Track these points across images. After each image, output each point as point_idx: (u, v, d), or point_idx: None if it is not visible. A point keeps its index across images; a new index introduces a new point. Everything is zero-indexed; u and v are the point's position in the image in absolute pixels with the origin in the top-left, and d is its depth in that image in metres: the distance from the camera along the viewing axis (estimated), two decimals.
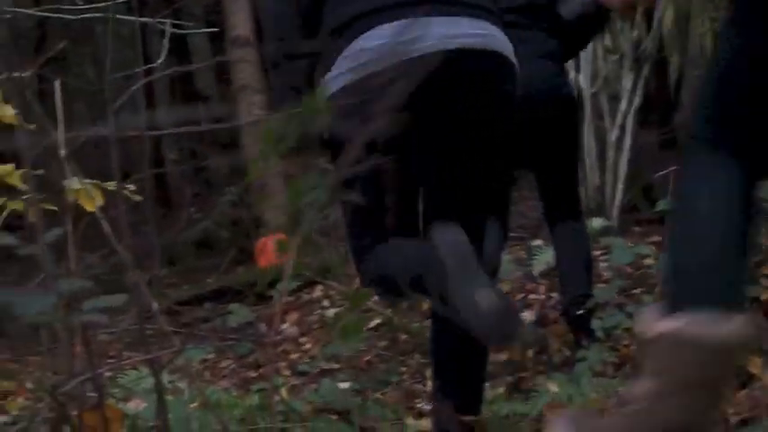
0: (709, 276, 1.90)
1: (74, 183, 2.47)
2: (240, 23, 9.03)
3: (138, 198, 2.90)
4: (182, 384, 4.14)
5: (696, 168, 2.03)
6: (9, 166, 2.65)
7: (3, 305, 1.37)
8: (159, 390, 2.17)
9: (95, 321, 1.59)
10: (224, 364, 5.68)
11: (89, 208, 2.59)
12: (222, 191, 10.65)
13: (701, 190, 1.99)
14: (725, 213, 1.95)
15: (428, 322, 4.27)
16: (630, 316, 4.30)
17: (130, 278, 2.26)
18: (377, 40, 2.58)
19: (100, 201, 2.72)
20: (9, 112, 2.54)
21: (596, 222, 6.21)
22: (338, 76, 2.67)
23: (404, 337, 5.14)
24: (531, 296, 5.69)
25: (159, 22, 3.98)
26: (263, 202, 8.75)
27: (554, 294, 5.56)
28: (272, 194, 8.70)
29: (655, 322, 1.88)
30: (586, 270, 4.17)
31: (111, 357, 5.71)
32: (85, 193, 2.64)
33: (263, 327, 6.62)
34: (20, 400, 4.34)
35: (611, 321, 4.31)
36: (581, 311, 4.10)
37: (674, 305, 1.88)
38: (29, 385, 4.50)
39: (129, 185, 2.93)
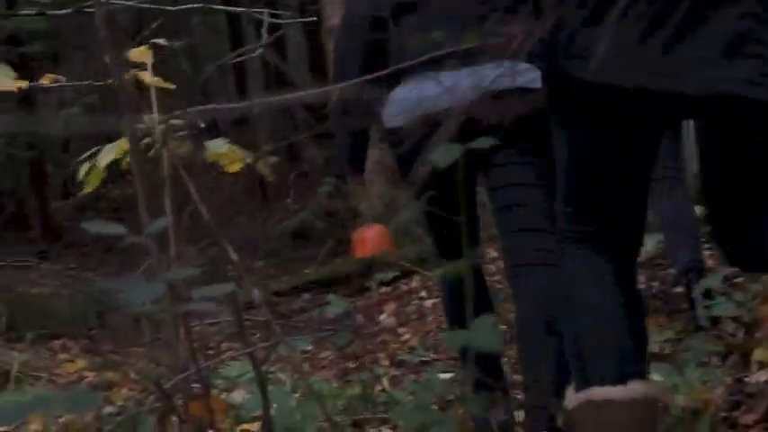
0: (608, 357, 2.29)
1: (219, 144, 2.49)
2: (336, 13, 9.01)
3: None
4: (282, 375, 4.15)
5: (571, 268, 2.38)
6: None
7: (112, 294, 1.38)
8: (262, 381, 2.17)
9: (203, 311, 1.57)
10: (323, 355, 5.68)
11: (232, 170, 2.62)
12: (319, 182, 10.68)
13: (581, 288, 2.35)
14: (605, 304, 2.32)
15: None
16: (737, 305, 4.20)
17: (233, 269, 2.26)
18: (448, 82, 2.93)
19: (240, 164, 2.74)
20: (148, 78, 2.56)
21: (699, 210, 6.09)
22: (406, 110, 3.05)
23: (503, 327, 5.10)
24: None
25: (255, 12, 3.99)
26: (359, 192, 8.74)
27: (655, 283, 5.47)
28: (368, 185, 8.68)
29: (574, 397, 2.29)
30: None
31: (211, 348, 5.76)
32: (228, 156, 2.65)
33: (360, 317, 6.62)
34: (124, 391, 4.40)
35: (718, 310, 4.21)
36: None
37: (586, 383, 2.28)
38: (133, 376, 4.56)
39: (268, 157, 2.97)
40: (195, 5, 3.63)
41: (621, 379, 2.25)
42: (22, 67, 12.41)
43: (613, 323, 2.31)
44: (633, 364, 2.30)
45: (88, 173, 2.68)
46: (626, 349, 2.31)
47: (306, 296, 7.57)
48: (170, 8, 3.38)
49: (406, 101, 3.07)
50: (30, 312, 6.16)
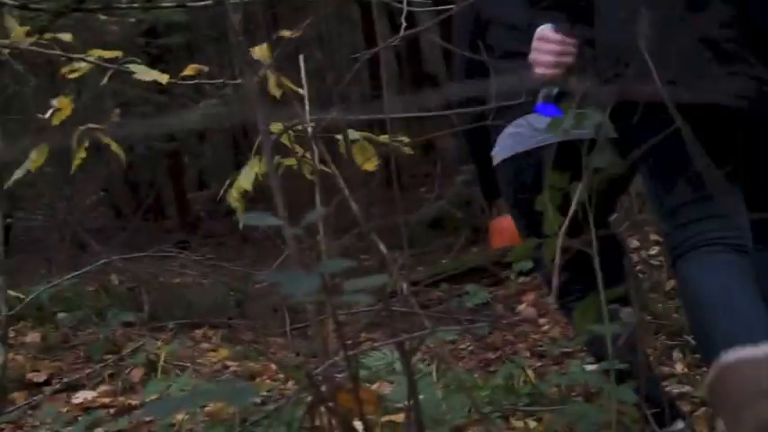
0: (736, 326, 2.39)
1: (352, 134, 2.47)
2: None
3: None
4: (422, 366, 4.12)
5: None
6: None
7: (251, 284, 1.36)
8: (409, 371, 2.13)
9: (357, 302, 1.55)
10: (462, 345, 5.64)
11: (366, 166, 2.62)
12: (455, 170, 10.62)
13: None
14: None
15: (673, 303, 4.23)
16: None
17: (381, 260, 2.22)
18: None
19: (374, 160, 2.73)
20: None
21: None
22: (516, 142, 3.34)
23: (648, 318, 4.98)
24: None
25: (391, 2, 3.94)
26: (501, 206, 8.67)
27: None
28: None
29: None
30: None
31: (350, 339, 5.76)
32: (361, 149, 2.64)
33: (499, 308, 6.55)
34: (267, 381, 4.42)
35: None
36: None
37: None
38: (275, 366, 4.57)
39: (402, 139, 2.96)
40: None
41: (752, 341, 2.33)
42: (159, 59, 12.65)
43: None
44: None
45: (236, 201, 2.69)
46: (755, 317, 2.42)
47: (443, 286, 7.53)
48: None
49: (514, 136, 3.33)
50: (171, 302, 6.25)
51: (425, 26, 2.80)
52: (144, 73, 2.71)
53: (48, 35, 2.98)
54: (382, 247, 2.44)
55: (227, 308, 6.53)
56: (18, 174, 3.10)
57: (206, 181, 18.54)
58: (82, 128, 3.00)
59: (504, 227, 7.14)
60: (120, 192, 14.44)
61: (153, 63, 12.73)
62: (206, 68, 2.90)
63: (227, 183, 2.87)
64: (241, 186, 2.71)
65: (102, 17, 5.25)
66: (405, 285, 2.40)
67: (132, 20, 6.47)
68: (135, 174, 14.37)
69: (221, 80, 3.69)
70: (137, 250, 7.37)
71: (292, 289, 1.43)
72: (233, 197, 2.79)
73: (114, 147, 2.92)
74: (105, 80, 2.79)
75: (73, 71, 2.84)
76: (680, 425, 3.43)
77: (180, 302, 6.26)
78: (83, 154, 2.99)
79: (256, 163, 2.81)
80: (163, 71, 3.11)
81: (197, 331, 6.00)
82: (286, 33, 2.90)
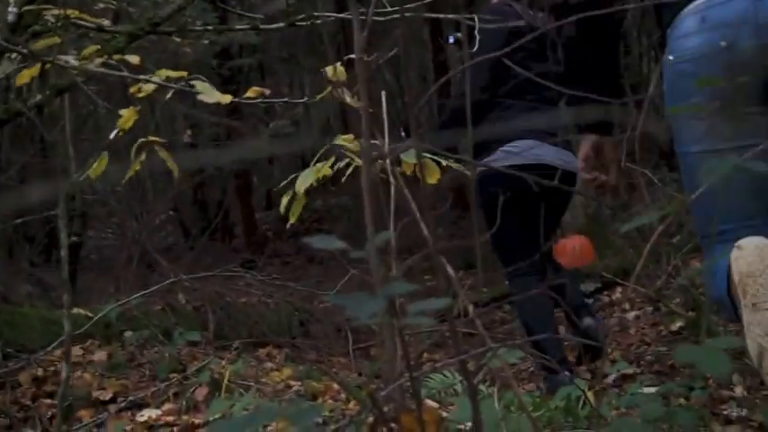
0: None
1: (409, 156, 2.50)
2: None
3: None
4: (484, 387, 4.13)
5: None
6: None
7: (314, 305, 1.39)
8: (473, 392, 2.16)
9: (421, 325, 1.59)
10: (524, 366, 5.64)
11: (431, 182, 2.64)
12: None
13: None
14: None
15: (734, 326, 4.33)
16: None
17: (447, 281, 2.25)
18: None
19: (437, 175, 2.75)
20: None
21: None
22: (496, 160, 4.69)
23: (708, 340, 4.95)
24: None
25: (466, 17, 3.99)
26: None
27: None
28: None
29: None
30: None
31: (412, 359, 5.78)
32: (426, 166, 2.66)
33: (561, 329, 6.54)
34: (330, 401, 4.45)
35: None
36: None
37: None
38: (338, 386, 4.60)
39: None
40: (397, 15, 3.65)
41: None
42: (231, 80, 12.81)
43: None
44: None
45: (289, 204, 2.71)
46: None
47: (506, 307, 7.53)
48: (379, 18, 3.40)
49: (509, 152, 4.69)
50: (236, 321, 6.32)
51: (495, 53, 2.82)
52: (207, 94, 2.75)
53: (117, 57, 3.05)
54: (449, 269, 2.46)
55: (291, 328, 6.59)
56: (76, 177, 3.14)
57: (274, 201, 18.68)
58: (141, 140, 3.05)
59: (568, 248, 7.13)
60: (189, 211, 14.59)
61: (225, 84, 12.92)
62: (268, 91, 2.95)
63: (282, 184, 2.87)
64: (298, 189, 2.72)
65: (177, 39, 5.35)
66: (470, 307, 2.42)
67: (206, 42, 6.60)
68: (204, 193, 14.54)
69: (286, 99, 3.73)
70: (204, 269, 7.46)
71: (357, 311, 1.47)
72: (285, 200, 2.80)
73: (170, 163, 2.97)
74: (168, 96, 2.84)
75: (140, 91, 2.91)
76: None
77: (245, 322, 6.32)
78: (138, 166, 3.04)
79: (320, 168, 2.81)
80: (234, 92, 3.19)
81: (261, 350, 6.06)
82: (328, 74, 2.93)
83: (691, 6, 2.80)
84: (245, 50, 12.37)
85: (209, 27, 4.04)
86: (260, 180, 18.04)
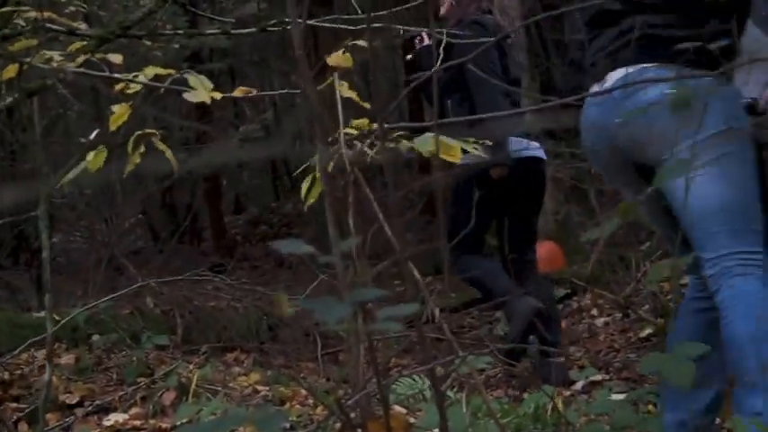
0: None
1: (426, 140, 2.48)
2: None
3: None
4: (452, 393, 4.14)
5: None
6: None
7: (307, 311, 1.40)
8: (440, 399, 2.16)
9: (389, 330, 1.59)
10: (492, 372, 5.65)
11: (452, 159, 2.61)
12: None
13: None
14: None
15: None
16: None
17: (415, 287, 2.25)
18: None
19: (459, 154, 2.71)
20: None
21: None
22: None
23: None
24: None
25: (436, 32, 4.00)
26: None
27: None
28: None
29: None
30: None
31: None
32: (447, 148, 2.63)
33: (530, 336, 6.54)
34: (297, 406, 4.45)
35: None
36: None
37: None
38: (305, 391, 4.60)
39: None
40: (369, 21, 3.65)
41: None
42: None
43: None
44: None
45: (310, 187, 2.69)
46: None
47: (474, 312, 7.53)
48: (347, 27, 3.41)
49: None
50: (205, 325, 6.30)
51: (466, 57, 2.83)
52: (200, 89, 2.72)
53: (99, 55, 3.03)
54: (416, 275, 2.47)
55: (259, 332, 6.58)
56: (73, 174, 3.10)
57: (243, 205, 18.64)
58: (138, 133, 3.02)
59: (540, 253, 7.20)
60: (158, 215, 14.53)
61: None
62: (253, 90, 2.94)
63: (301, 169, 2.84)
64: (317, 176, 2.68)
65: (147, 43, 5.33)
66: (437, 312, 2.43)
67: (176, 45, 6.58)
68: (173, 197, 14.48)
69: (279, 91, 3.72)
70: (173, 273, 7.44)
71: (325, 317, 1.47)
72: (305, 185, 2.76)
73: (168, 154, 2.94)
74: (162, 90, 2.82)
75: (127, 88, 2.88)
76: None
77: (213, 326, 6.31)
78: (137, 159, 3.01)
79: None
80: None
81: (229, 355, 6.05)
82: (330, 61, 2.93)
83: None
84: (215, 54, 12.34)
85: (180, 31, 4.04)
86: (229, 184, 18.01)
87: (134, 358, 5.20)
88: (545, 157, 5.48)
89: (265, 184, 19.16)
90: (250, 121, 9.55)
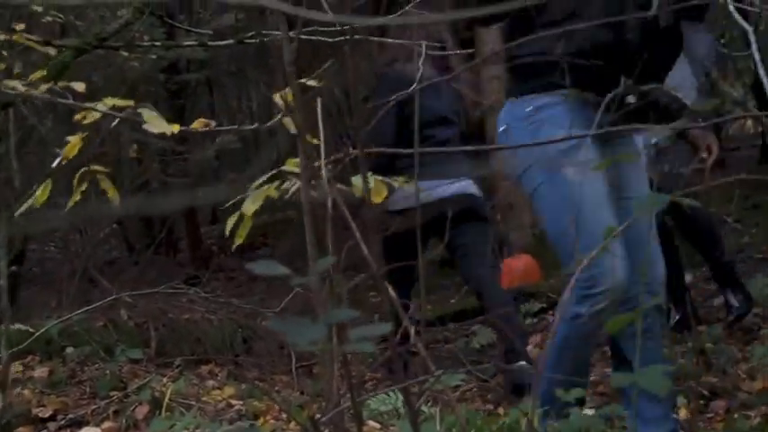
0: None
1: (357, 180, 2.51)
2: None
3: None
4: (426, 408, 4.13)
5: None
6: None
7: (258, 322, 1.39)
8: (414, 416, 2.15)
9: (363, 351, 1.58)
10: (468, 386, 5.64)
11: (377, 200, 2.65)
12: None
13: None
14: None
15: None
16: None
17: (389, 304, 2.25)
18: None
19: (385, 194, 2.78)
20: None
21: None
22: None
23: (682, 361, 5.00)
24: None
25: (416, 43, 4.01)
26: (508, 221, 8.69)
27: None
28: (518, 214, 8.63)
29: None
30: None
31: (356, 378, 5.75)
32: (374, 189, 2.67)
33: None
34: (271, 421, 4.43)
35: None
36: None
37: None
38: (279, 406, 4.58)
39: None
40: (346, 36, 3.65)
41: None
42: (178, 95, 12.72)
43: None
44: None
45: (236, 226, 2.70)
46: None
47: (451, 326, 7.54)
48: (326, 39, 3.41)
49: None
50: (179, 338, 6.27)
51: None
52: (154, 123, 2.73)
53: (61, 83, 3.03)
54: (391, 291, 2.46)
55: (234, 345, 6.54)
56: (22, 209, 3.13)
57: (219, 216, 18.59)
58: (83, 169, 3.03)
59: (514, 267, 7.21)
60: (134, 225, 14.47)
61: (172, 98, 12.82)
62: (213, 123, 2.93)
63: (228, 203, 2.87)
64: (245, 212, 2.70)
65: (124, 53, 5.32)
66: (412, 330, 2.42)
67: (153, 56, 6.56)
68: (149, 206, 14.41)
69: (235, 126, 3.72)
70: (148, 284, 7.39)
71: (297, 338, 1.46)
72: (231, 222, 2.78)
73: (111, 192, 2.95)
74: (114, 124, 2.82)
75: (85, 118, 2.88)
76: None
77: (187, 338, 6.28)
78: (77, 197, 3.03)
79: (267, 190, 2.80)
80: (182, 107, 3.19)
81: (203, 368, 6.01)
82: (310, 81, 2.94)
83: None
84: (192, 65, 12.30)
85: (157, 43, 4.03)
86: (206, 194, 17.94)
87: (107, 371, 5.16)
88: (473, 192, 5.68)
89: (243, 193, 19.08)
90: (223, 136, 9.51)
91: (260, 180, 2.75)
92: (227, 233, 2.71)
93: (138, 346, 5.78)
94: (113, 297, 5.47)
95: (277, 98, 2.63)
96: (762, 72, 7.27)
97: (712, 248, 5.63)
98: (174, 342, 6.21)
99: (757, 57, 6.92)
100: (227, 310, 6.96)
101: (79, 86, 3.12)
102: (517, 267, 7.59)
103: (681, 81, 4.85)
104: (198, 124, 3.02)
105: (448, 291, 8.85)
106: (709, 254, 5.66)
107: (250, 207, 2.64)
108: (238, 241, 2.71)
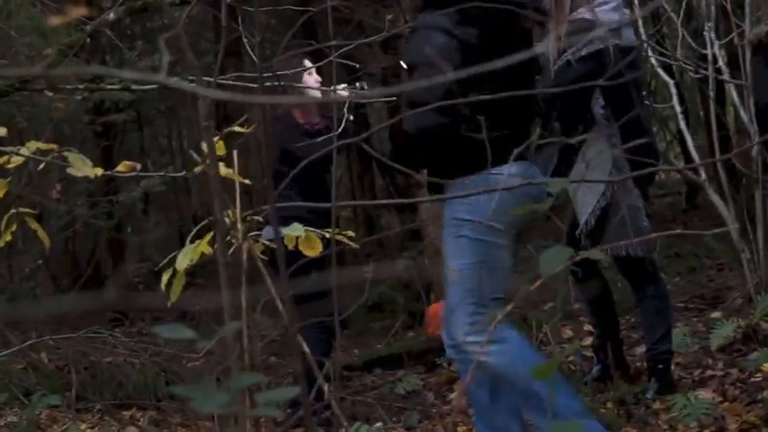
0: None
1: (295, 228, 2.50)
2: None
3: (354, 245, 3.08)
4: None
5: None
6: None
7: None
8: None
9: (271, 415, 1.57)
10: None
11: (310, 253, 2.67)
12: (395, 253, 10.63)
13: None
14: None
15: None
16: None
17: (300, 364, 2.24)
18: None
19: (319, 248, 2.80)
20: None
21: None
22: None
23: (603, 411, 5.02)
24: (708, 372, 5.50)
25: (350, 87, 4.02)
26: (436, 267, 8.70)
27: (733, 371, 5.38)
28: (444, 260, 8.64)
29: None
30: None
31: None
32: (307, 240, 2.68)
33: (431, 396, 6.54)
34: None
35: None
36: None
37: None
38: None
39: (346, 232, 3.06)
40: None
41: None
42: (104, 134, 12.59)
43: None
44: None
45: (169, 282, 2.69)
46: None
47: (377, 371, 7.51)
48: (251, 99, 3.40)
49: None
50: (101, 381, 6.18)
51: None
52: (79, 166, 2.71)
53: None
54: (306, 348, 2.45)
55: (157, 388, 6.45)
56: None
57: (148, 253, 18.41)
58: (12, 211, 3.00)
59: (438, 314, 7.18)
60: (60, 261, 14.28)
61: (98, 137, 12.69)
62: (139, 165, 2.92)
63: (162, 263, 2.86)
64: (178, 268, 2.69)
65: (49, 93, 5.27)
66: (327, 391, 2.42)
67: (79, 97, 6.50)
68: (75, 243, 14.23)
69: (162, 173, 3.70)
70: (71, 324, 7.28)
71: (202, 405, 1.44)
72: (166, 276, 2.77)
73: (40, 233, 2.92)
74: (40, 168, 2.80)
75: (9, 162, 2.85)
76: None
77: (109, 382, 6.19)
78: (8, 237, 3.01)
79: (199, 245, 2.80)
80: (108, 147, 3.16)
81: (125, 413, 5.93)
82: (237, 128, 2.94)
83: None
84: (121, 103, 12.20)
85: (80, 86, 4.00)
86: (134, 231, 17.78)
87: (25, 418, 5.07)
88: None
89: (171, 232, 18.96)
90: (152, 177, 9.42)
91: (193, 231, 2.75)
92: (162, 287, 2.70)
93: (59, 391, 5.69)
94: (33, 341, 5.38)
95: (200, 148, 2.62)
96: (682, 124, 7.39)
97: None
98: (96, 385, 6.12)
99: (678, 109, 7.10)
100: (150, 352, 6.87)
101: (1, 131, 3.09)
102: (441, 314, 7.59)
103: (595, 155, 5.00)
104: (123, 167, 3.00)
105: (375, 336, 8.84)
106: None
107: (183, 262, 2.63)
108: (173, 298, 2.70)
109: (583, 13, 5.03)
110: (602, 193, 5.03)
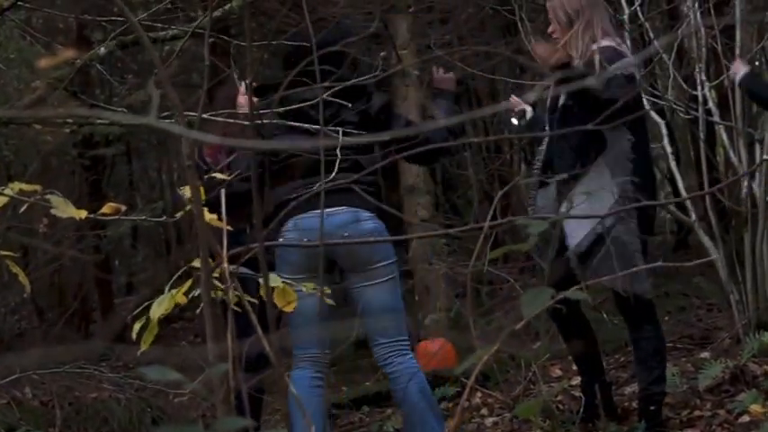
0: None
1: (274, 280, 2.49)
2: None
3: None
4: None
5: None
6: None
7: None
8: None
9: None
10: None
11: (286, 309, 2.68)
12: None
13: None
14: None
15: None
16: None
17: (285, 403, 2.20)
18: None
19: (294, 303, 2.81)
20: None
21: None
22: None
23: None
24: (696, 412, 5.48)
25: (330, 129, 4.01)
26: (425, 304, 8.68)
27: (721, 411, 5.36)
28: (434, 297, 8.63)
29: None
30: None
31: None
32: (282, 293, 2.69)
33: None
34: None
35: None
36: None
37: None
38: None
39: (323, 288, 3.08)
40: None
41: None
42: (93, 168, 12.57)
43: None
44: None
45: (142, 330, 2.69)
46: None
47: (365, 408, 7.47)
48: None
49: None
50: (86, 417, 6.13)
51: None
52: (62, 208, 2.69)
53: None
54: (293, 389, 2.42)
55: (142, 425, 6.41)
56: None
57: (136, 286, 18.35)
58: None
59: (429, 350, 7.14)
60: (46, 295, 14.21)
61: (87, 170, 12.68)
62: (124, 208, 2.90)
63: (136, 311, 2.85)
64: (152, 317, 2.68)
65: (37, 126, 5.25)
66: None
67: (67, 130, 6.48)
68: (62, 277, 14.17)
69: (144, 218, 3.70)
70: (57, 358, 7.21)
71: None
72: (137, 327, 2.77)
73: (21, 277, 2.91)
74: (23, 210, 2.78)
75: None
76: None
77: (94, 418, 6.14)
78: None
79: (175, 294, 2.79)
80: (96, 180, 3.16)
81: None
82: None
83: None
84: (111, 136, 12.20)
85: (69, 120, 3.99)
86: (121, 264, 17.73)
87: None
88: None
89: (159, 265, 18.92)
90: (140, 211, 9.40)
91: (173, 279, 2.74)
92: (134, 337, 2.69)
93: (42, 427, 5.64)
94: (17, 375, 5.33)
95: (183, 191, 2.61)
96: (673, 164, 7.41)
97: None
98: (80, 422, 6.07)
99: (669, 149, 7.11)
100: (136, 387, 6.82)
101: None
102: (432, 350, 7.58)
103: (598, 187, 4.97)
104: (108, 209, 2.99)
105: (363, 373, 8.79)
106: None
107: (157, 311, 2.62)
108: (144, 347, 2.69)
109: (606, 42, 5.09)
110: (599, 220, 4.96)
